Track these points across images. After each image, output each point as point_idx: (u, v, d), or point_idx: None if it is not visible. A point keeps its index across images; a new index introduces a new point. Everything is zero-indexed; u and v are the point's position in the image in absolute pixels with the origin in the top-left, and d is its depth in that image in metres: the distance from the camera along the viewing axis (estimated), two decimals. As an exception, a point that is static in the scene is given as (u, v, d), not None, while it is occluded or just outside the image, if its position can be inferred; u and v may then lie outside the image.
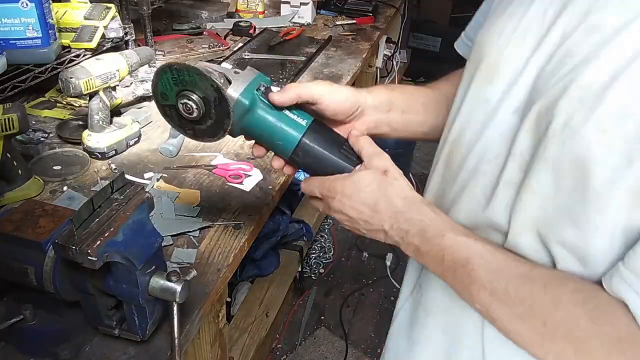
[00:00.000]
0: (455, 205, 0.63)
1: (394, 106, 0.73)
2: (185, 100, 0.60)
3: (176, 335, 0.67)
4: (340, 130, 0.69)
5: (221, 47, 1.75)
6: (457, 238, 0.56)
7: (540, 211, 0.52)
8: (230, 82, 0.61)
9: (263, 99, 0.63)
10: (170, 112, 0.63)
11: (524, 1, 0.58)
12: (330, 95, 0.67)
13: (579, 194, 0.48)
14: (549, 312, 0.49)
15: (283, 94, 0.63)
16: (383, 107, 0.73)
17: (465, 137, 0.62)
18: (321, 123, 0.67)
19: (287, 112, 0.64)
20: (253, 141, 0.69)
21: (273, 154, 0.68)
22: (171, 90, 0.61)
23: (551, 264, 0.53)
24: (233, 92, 0.60)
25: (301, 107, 0.66)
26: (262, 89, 0.63)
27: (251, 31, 1.83)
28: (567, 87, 0.48)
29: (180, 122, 0.63)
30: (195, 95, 0.60)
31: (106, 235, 0.61)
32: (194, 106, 0.60)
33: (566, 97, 0.48)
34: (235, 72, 0.63)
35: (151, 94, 1.35)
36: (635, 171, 0.44)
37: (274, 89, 0.64)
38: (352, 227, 0.64)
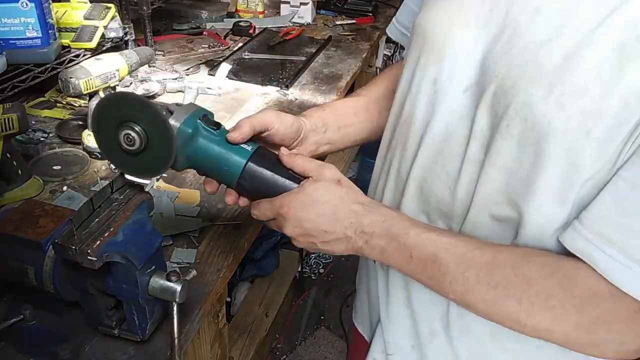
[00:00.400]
0: (415, 185, 0.64)
1: (329, 125, 0.76)
2: (127, 131, 0.58)
3: (176, 335, 0.67)
4: None
5: (221, 47, 1.75)
6: (421, 235, 0.57)
7: (504, 185, 0.54)
8: (172, 113, 0.60)
9: (206, 127, 0.63)
10: (112, 147, 0.60)
11: None
12: (279, 120, 0.69)
13: (537, 166, 0.51)
14: (523, 290, 0.51)
15: (239, 131, 0.63)
16: (320, 129, 0.75)
17: (418, 117, 0.63)
18: (265, 148, 0.67)
19: None
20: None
21: (225, 189, 0.67)
22: (111, 121, 0.59)
23: (512, 237, 0.56)
24: (175, 121, 0.60)
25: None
26: (203, 118, 0.63)
27: (251, 31, 1.83)
28: (523, 67, 0.51)
29: (123, 158, 0.61)
30: (137, 126, 0.58)
31: (106, 235, 0.61)
32: (136, 137, 0.58)
33: (524, 77, 0.51)
34: (177, 105, 0.63)
35: (151, 94, 1.36)
36: (591, 140, 0.48)
37: (227, 127, 0.65)
38: (307, 242, 0.62)
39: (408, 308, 0.69)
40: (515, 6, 0.54)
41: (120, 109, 0.58)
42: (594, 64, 0.47)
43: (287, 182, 0.64)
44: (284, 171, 0.65)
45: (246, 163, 0.63)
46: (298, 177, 0.64)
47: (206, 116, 0.64)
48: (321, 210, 0.60)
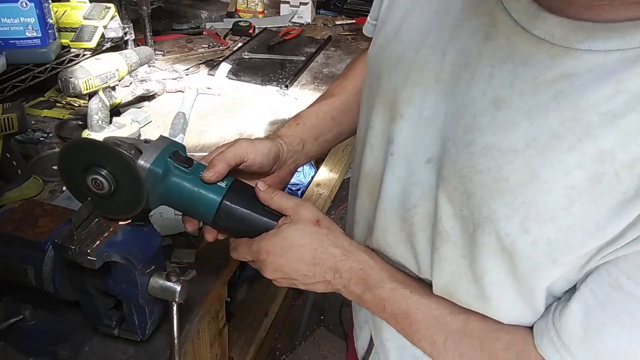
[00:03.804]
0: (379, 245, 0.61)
1: (306, 140, 0.73)
2: (94, 176, 0.57)
3: (175, 335, 0.67)
4: (267, 182, 0.67)
5: (221, 47, 1.75)
6: (396, 289, 0.56)
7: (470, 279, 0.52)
8: (141, 152, 0.58)
9: (178, 165, 0.60)
10: (82, 190, 0.60)
11: (417, 29, 0.54)
12: (254, 150, 0.65)
13: (513, 277, 0.48)
14: None
15: (213, 170, 0.60)
16: (297, 146, 0.73)
17: (376, 178, 0.59)
18: (240, 182, 0.65)
19: None
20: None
21: (203, 226, 0.65)
22: (78, 167, 0.58)
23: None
24: (144, 162, 0.58)
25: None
26: (174, 156, 0.60)
27: (251, 31, 1.83)
28: (485, 176, 0.45)
29: (95, 200, 0.60)
30: (104, 170, 0.57)
31: (105, 235, 0.61)
32: (104, 181, 0.57)
33: (486, 188, 0.46)
34: (146, 142, 0.61)
35: (150, 94, 1.36)
36: (559, 266, 0.44)
37: (204, 162, 0.63)
38: (289, 283, 0.62)
39: None
40: (475, 86, 0.47)
41: (84, 154, 0.57)
42: (563, 192, 0.41)
43: (264, 219, 0.62)
44: (260, 208, 0.63)
45: (220, 201, 0.61)
46: (276, 214, 0.63)
47: (177, 152, 0.61)
48: (300, 255, 0.59)
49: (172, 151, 0.61)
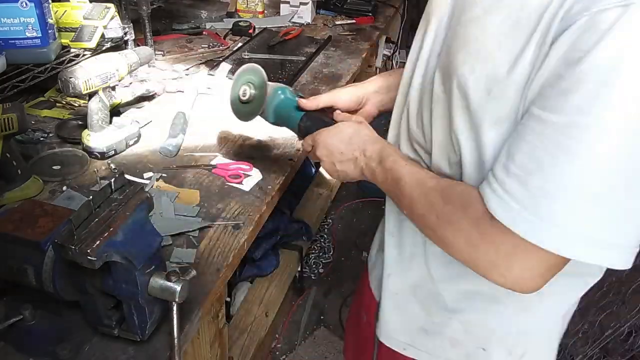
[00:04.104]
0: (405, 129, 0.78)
1: (392, 87, 0.90)
2: (245, 87, 0.95)
3: (175, 335, 0.67)
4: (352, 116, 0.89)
5: (221, 47, 1.75)
6: (396, 162, 0.72)
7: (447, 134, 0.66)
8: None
9: (287, 94, 0.95)
10: (235, 99, 0.98)
11: None
12: (339, 99, 0.94)
13: (470, 124, 0.61)
14: (441, 208, 0.64)
15: (310, 102, 0.92)
16: (383, 90, 0.94)
17: (408, 77, 0.77)
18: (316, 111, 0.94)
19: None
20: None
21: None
22: (240, 81, 0.96)
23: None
24: (271, 86, 0.96)
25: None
26: (285, 89, 0.96)
27: (250, 31, 1.83)
28: (460, 39, 0.62)
29: (237, 106, 0.98)
30: (252, 85, 0.95)
31: (106, 235, 0.61)
32: (248, 90, 0.95)
33: (457, 46, 0.62)
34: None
35: (150, 94, 1.36)
36: (491, 99, 0.57)
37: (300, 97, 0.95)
38: (329, 162, 0.81)
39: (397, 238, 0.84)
40: None
41: (247, 74, 0.96)
42: (497, 38, 0.56)
43: (326, 121, 0.87)
44: (327, 119, 0.89)
45: (303, 114, 0.91)
46: (334, 122, 0.87)
47: (287, 88, 0.96)
48: (341, 137, 0.80)
49: (284, 88, 0.95)
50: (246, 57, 1.67)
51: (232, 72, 1.53)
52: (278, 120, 0.96)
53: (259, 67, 0.96)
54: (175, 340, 0.67)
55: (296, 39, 1.84)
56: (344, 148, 0.79)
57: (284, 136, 1.23)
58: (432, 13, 0.70)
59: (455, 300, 0.76)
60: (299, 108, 0.92)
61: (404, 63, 0.79)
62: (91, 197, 0.63)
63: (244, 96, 0.95)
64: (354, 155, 0.78)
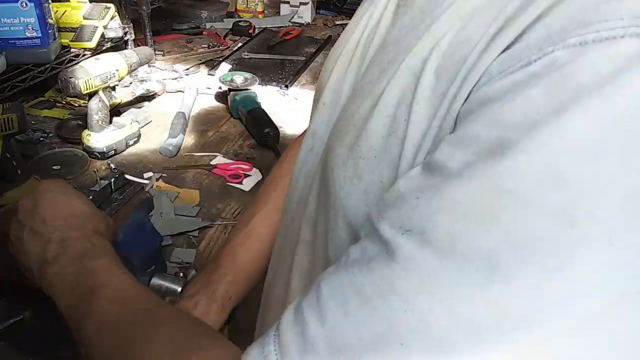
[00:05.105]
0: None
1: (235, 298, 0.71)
2: None
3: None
4: None
5: (221, 47, 1.75)
6: (108, 265, 0.51)
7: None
8: None
9: None
10: None
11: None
12: None
13: None
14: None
15: None
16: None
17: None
18: None
19: None
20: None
21: None
22: None
23: None
24: None
25: None
26: None
27: (250, 31, 1.83)
28: (341, 128, 0.45)
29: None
30: None
31: (106, 235, 0.61)
32: None
33: (338, 137, 0.44)
34: None
35: (150, 94, 1.36)
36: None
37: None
38: (21, 225, 0.57)
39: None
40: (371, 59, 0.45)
41: None
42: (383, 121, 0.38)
43: None
44: None
45: None
46: None
47: None
48: (63, 202, 0.57)
49: None
50: (246, 57, 1.67)
51: (231, 71, 1.53)
52: None
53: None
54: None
55: (296, 39, 1.84)
56: (50, 215, 0.55)
57: (283, 136, 1.23)
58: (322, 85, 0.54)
59: None
60: None
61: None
62: (91, 197, 0.63)
63: None
64: (51, 232, 0.54)
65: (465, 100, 0.31)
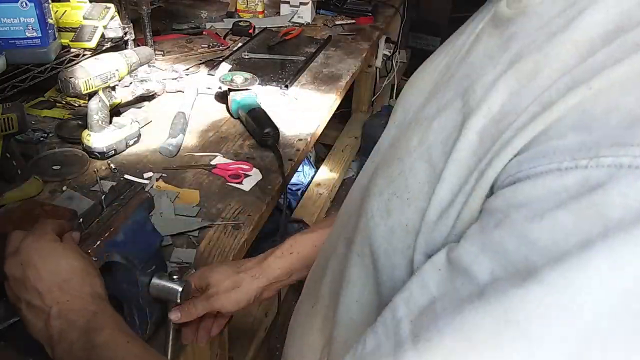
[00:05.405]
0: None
1: (294, 269, 0.77)
2: None
3: (171, 336, 0.67)
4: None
5: (221, 47, 1.75)
6: (114, 334, 0.52)
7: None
8: None
9: None
10: None
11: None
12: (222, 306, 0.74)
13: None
14: None
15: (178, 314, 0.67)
16: (284, 277, 0.78)
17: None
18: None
19: None
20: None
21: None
22: None
23: None
24: None
25: None
26: None
27: (250, 31, 1.83)
28: (385, 158, 0.46)
29: None
30: None
31: (106, 235, 0.61)
32: None
33: (380, 163, 0.47)
34: None
35: (150, 94, 1.36)
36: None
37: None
38: (16, 293, 0.58)
39: None
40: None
41: None
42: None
43: None
44: None
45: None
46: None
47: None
48: (63, 266, 0.56)
49: None
50: (246, 57, 1.67)
51: (231, 71, 1.53)
52: None
53: None
54: (170, 342, 0.67)
55: (296, 39, 1.84)
56: (44, 286, 0.53)
57: (283, 136, 1.23)
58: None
59: None
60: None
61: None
62: (101, 198, 0.63)
63: None
64: (49, 305, 0.53)
65: (500, 172, 0.31)
